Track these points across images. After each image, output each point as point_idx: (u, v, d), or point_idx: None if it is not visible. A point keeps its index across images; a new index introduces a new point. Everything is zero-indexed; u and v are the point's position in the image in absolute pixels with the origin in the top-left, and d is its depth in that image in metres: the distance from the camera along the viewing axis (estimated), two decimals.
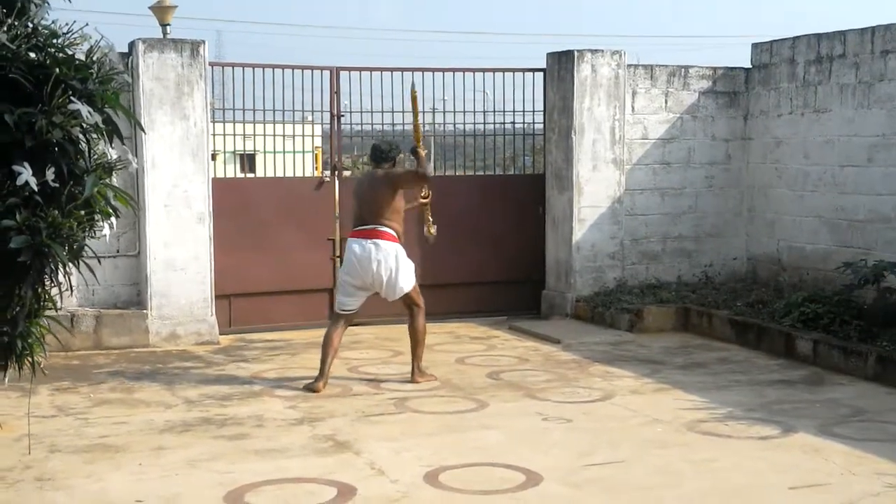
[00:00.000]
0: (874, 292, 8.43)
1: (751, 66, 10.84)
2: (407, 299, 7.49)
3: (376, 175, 7.50)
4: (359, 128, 10.31)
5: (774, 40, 10.60)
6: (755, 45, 10.86)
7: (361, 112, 10.16)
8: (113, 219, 3.73)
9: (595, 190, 10.23)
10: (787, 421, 6.43)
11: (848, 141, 9.57)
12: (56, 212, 3.42)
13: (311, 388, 7.25)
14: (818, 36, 9.98)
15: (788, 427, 6.29)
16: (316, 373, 7.37)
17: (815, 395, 7.21)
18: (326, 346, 7.38)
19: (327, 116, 10.01)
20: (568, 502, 5.00)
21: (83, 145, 3.57)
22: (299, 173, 10.71)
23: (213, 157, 9.69)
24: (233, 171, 14.13)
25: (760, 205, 10.69)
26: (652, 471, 5.49)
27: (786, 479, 5.35)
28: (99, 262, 4.25)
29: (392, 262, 7.30)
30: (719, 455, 5.75)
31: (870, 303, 8.47)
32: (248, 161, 14.29)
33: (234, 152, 10.37)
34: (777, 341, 8.55)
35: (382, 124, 10.34)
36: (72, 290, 3.81)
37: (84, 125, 3.49)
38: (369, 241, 7.31)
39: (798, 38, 10.24)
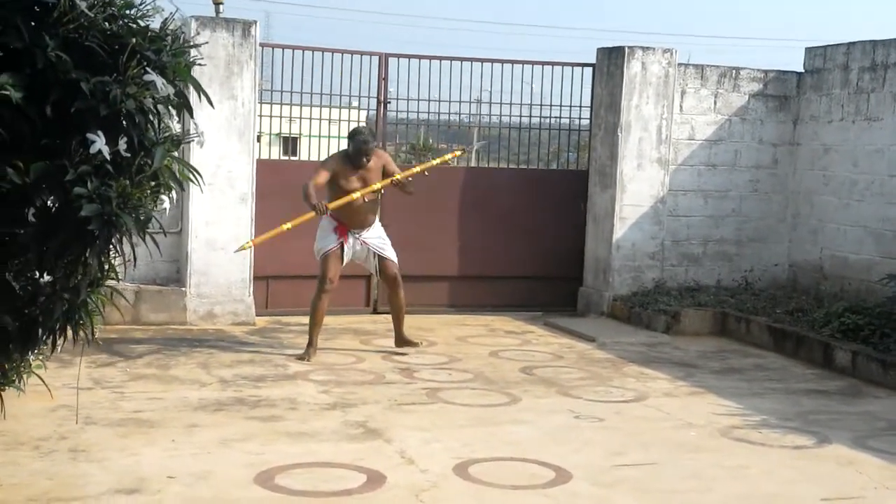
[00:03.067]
0: None
1: (803, 71, 10.71)
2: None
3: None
4: (404, 115, 10.31)
5: (829, 45, 10.46)
6: (808, 50, 10.72)
7: (408, 99, 10.16)
8: (174, 193, 3.76)
9: (638, 189, 10.16)
10: (821, 431, 6.36)
11: None
12: (126, 182, 3.46)
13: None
14: (874, 42, 9.83)
15: (823, 438, 6.22)
16: (350, 356, 7.38)
17: (852, 406, 7.12)
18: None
19: (373, 102, 10.01)
20: (597, 501, 4.98)
21: (153, 117, 3.60)
22: None
23: (258, 138, 9.73)
24: (276, 153, 14.20)
25: (805, 211, 10.57)
26: (683, 474, 5.45)
27: (818, 489, 5.29)
28: (165, 234, 4.30)
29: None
30: (752, 462, 5.69)
31: None
32: (291, 144, 14.34)
33: (278, 134, 10.39)
34: (815, 351, 8.45)
35: (429, 112, 10.33)
36: (135, 262, 3.83)
37: (156, 97, 3.51)
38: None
39: (853, 43, 10.09)
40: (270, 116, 9.84)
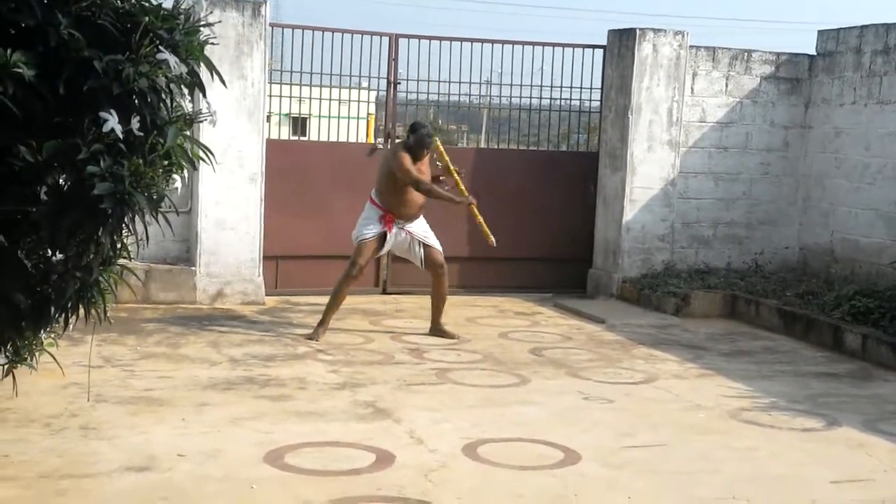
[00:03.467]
0: None
1: (815, 54, 10.65)
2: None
3: (392, 149, 8.08)
4: (414, 96, 10.30)
5: (841, 28, 10.40)
6: (821, 33, 10.66)
7: (418, 80, 10.14)
8: (185, 172, 3.76)
9: (648, 171, 10.13)
10: (831, 414, 6.35)
11: None
12: (139, 160, 3.45)
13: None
14: (886, 26, 9.77)
15: (832, 420, 6.22)
16: (359, 337, 7.39)
17: (862, 389, 7.12)
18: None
19: (383, 83, 9.99)
20: (606, 482, 4.99)
21: (166, 96, 3.59)
22: (351, 139, 10.73)
23: (268, 118, 9.72)
24: (285, 133, 14.19)
25: (816, 194, 10.53)
26: (692, 456, 5.45)
27: (828, 472, 5.29)
28: (177, 213, 4.30)
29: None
30: (761, 444, 5.69)
31: None
32: (300, 124, 14.33)
33: (287, 115, 10.38)
34: (825, 334, 8.44)
35: (439, 94, 10.33)
36: (147, 241, 3.84)
37: (168, 76, 3.51)
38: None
39: (866, 26, 10.03)
40: (280, 97, 9.84)
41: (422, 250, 8.03)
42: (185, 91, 3.66)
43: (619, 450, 5.49)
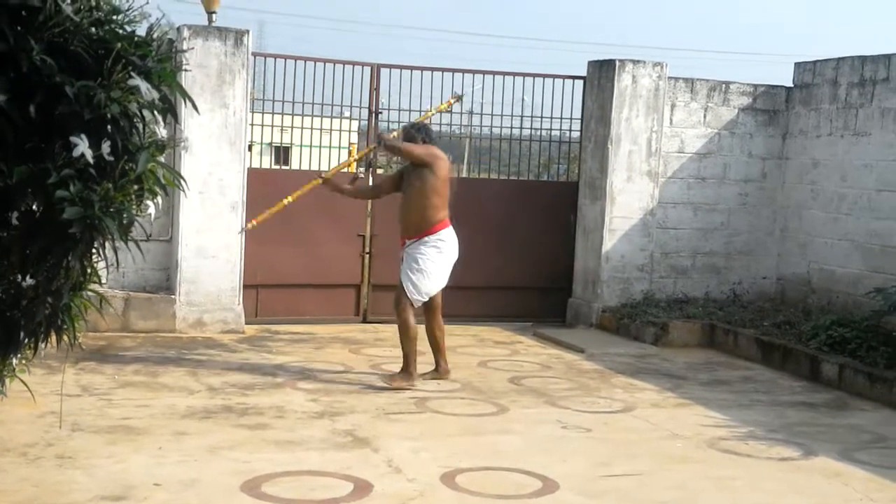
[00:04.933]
0: None
1: (792, 85, 10.77)
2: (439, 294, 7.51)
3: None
4: (396, 125, 10.33)
5: (818, 60, 10.53)
6: (798, 65, 10.79)
7: (399, 110, 10.19)
8: (159, 198, 3.77)
9: (628, 201, 10.20)
10: (808, 444, 6.39)
11: (887, 166, 9.48)
12: (109, 185, 3.47)
13: (408, 385, 7.20)
14: (862, 58, 9.90)
15: (809, 450, 6.25)
16: (339, 365, 7.34)
17: (838, 419, 7.16)
18: (414, 339, 7.23)
19: (365, 112, 10.04)
20: None
21: (137, 122, 3.61)
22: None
23: (250, 147, 9.74)
24: (267, 162, 14.22)
25: (793, 225, 10.62)
26: (670, 485, 5.47)
27: (804, 501, 5.31)
28: (148, 239, 4.29)
29: None
30: (739, 474, 5.71)
31: None
32: (282, 153, 14.38)
33: (269, 144, 10.42)
34: (802, 363, 8.49)
35: None
36: (118, 266, 3.84)
37: (140, 101, 3.53)
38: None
39: (842, 59, 10.16)
40: (262, 126, 9.86)
41: None
42: (159, 117, 3.68)
43: (597, 479, 5.50)
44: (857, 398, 7.75)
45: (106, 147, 3.44)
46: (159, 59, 3.62)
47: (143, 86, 3.47)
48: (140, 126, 3.62)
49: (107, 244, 3.62)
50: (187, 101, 3.81)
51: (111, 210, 3.45)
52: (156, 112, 3.65)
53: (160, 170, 3.72)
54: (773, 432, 6.63)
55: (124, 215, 3.51)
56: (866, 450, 6.34)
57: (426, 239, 7.37)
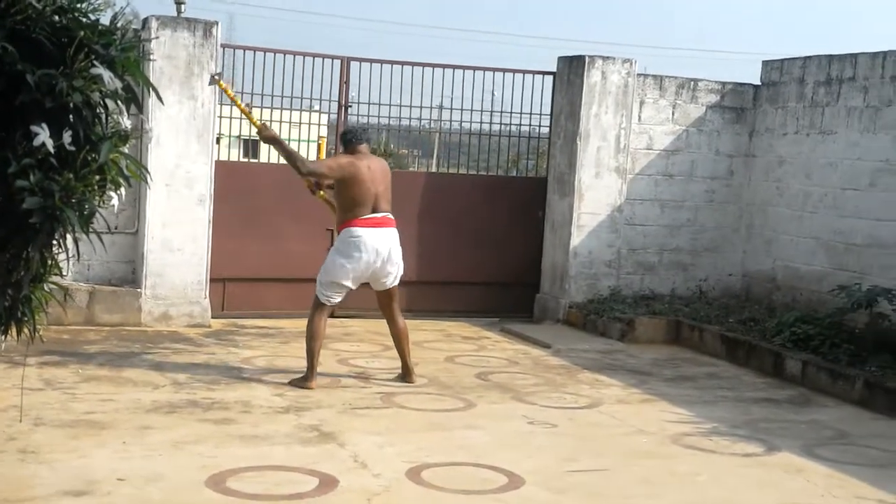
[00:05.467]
0: (866, 317, 8.45)
1: (759, 84, 10.85)
2: (394, 291, 7.42)
3: (383, 161, 7.52)
4: (365, 119, 10.32)
5: (785, 59, 10.61)
6: (765, 63, 10.88)
7: (369, 104, 10.17)
8: (122, 189, 3.72)
9: (596, 197, 10.24)
10: (770, 440, 6.45)
11: (851, 164, 9.58)
12: (70, 175, 3.42)
13: (302, 387, 7.03)
14: (829, 57, 9.99)
15: (772, 446, 6.31)
16: (305, 360, 7.31)
17: (801, 415, 7.23)
18: (315, 340, 7.16)
19: (335, 106, 10.01)
20: None
21: (100, 111, 3.56)
22: None
23: (218, 140, 9.68)
24: (236, 155, 14.14)
25: (759, 222, 10.71)
26: (634, 480, 5.50)
27: (767, 496, 5.36)
28: (110, 231, 4.23)
29: (398, 250, 7.28)
30: (702, 469, 5.76)
31: (861, 327, 8.49)
32: (251, 146, 14.30)
33: (238, 137, 10.35)
34: (766, 360, 8.57)
35: (390, 117, 10.39)
36: (79, 258, 3.79)
37: (103, 90, 3.49)
38: (391, 229, 7.24)
39: (809, 58, 10.25)
40: (231, 118, 9.80)
41: None
42: (123, 107, 3.64)
43: (562, 474, 5.52)
44: (820, 394, 7.83)
45: (67, 136, 3.40)
46: (123, 49, 3.58)
47: (106, 75, 3.43)
48: (103, 116, 3.59)
49: (68, 236, 3.59)
50: (151, 91, 3.77)
51: (72, 201, 3.41)
52: (119, 102, 3.61)
53: (123, 161, 3.69)
54: (736, 428, 6.69)
55: (86, 206, 3.48)
56: (828, 446, 6.42)
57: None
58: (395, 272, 7.29)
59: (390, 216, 7.27)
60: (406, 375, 7.45)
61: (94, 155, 3.52)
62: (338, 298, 7.33)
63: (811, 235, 9.98)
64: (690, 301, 10.42)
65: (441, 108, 11.19)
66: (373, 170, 7.21)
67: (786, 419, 7.07)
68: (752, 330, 9.20)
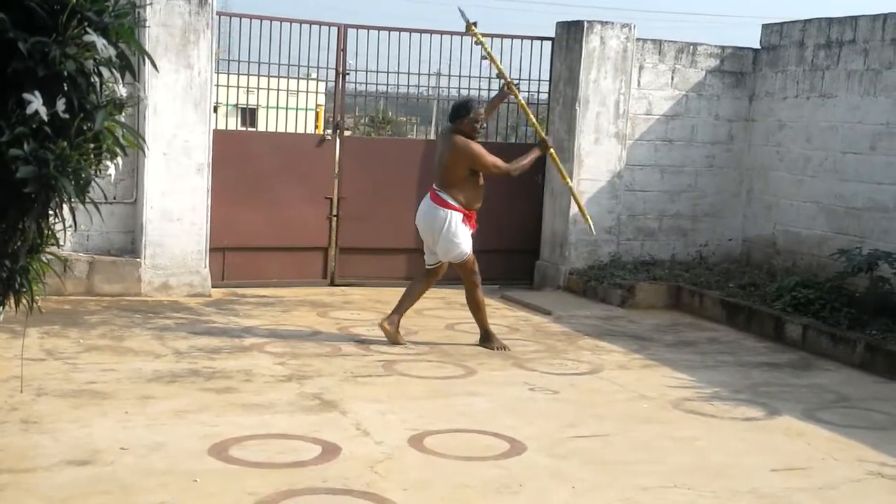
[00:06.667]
0: (867, 281, 8.45)
1: (759, 48, 10.79)
2: (457, 269, 7.64)
3: (453, 141, 7.47)
4: (363, 87, 10.26)
5: (785, 22, 10.54)
6: (765, 26, 10.81)
7: (367, 71, 10.11)
8: (119, 158, 3.69)
9: (595, 163, 10.21)
10: (772, 403, 6.46)
11: (851, 128, 9.54)
12: (65, 144, 3.38)
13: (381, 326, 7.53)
14: (829, 20, 9.93)
15: (773, 410, 6.33)
16: (306, 329, 7.33)
17: (802, 379, 7.24)
18: (407, 295, 7.66)
19: (332, 74, 9.95)
20: (550, 472, 5.03)
21: (95, 79, 3.52)
22: (300, 130, 10.67)
23: (215, 108, 9.63)
24: (233, 124, 14.09)
25: (759, 187, 10.68)
26: (635, 446, 5.52)
27: (768, 460, 5.38)
28: (106, 200, 4.19)
29: (438, 227, 7.46)
30: (703, 434, 5.78)
31: (862, 291, 8.49)
32: (249, 115, 14.23)
33: (235, 105, 10.31)
34: (767, 324, 8.58)
35: (388, 85, 10.31)
36: (76, 227, 3.76)
37: (97, 58, 3.44)
38: (429, 201, 7.55)
39: (809, 21, 10.18)
40: (227, 87, 9.75)
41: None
42: (118, 75, 3.60)
43: (563, 440, 5.54)
44: (821, 358, 7.84)
45: (61, 104, 3.36)
46: (117, 15, 3.53)
47: (100, 42, 3.39)
48: (97, 84, 3.54)
49: (65, 205, 3.56)
50: (146, 58, 3.73)
51: (68, 169, 3.38)
52: (114, 70, 3.57)
53: (119, 129, 3.65)
54: (737, 392, 6.71)
55: (81, 175, 3.44)
56: (829, 409, 6.43)
57: None
58: (442, 246, 7.52)
59: (435, 189, 7.55)
60: (484, 340, 7.68)
61: (88, 123, 3.48)
62: (432, 260, 7.70)
63: (811, 199, 9.96)
64: (691, 266, 10.41)
65: (439, 74, 11.13)
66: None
67: (787, 383, 7.08)
68: (753, 295, 9.21)
